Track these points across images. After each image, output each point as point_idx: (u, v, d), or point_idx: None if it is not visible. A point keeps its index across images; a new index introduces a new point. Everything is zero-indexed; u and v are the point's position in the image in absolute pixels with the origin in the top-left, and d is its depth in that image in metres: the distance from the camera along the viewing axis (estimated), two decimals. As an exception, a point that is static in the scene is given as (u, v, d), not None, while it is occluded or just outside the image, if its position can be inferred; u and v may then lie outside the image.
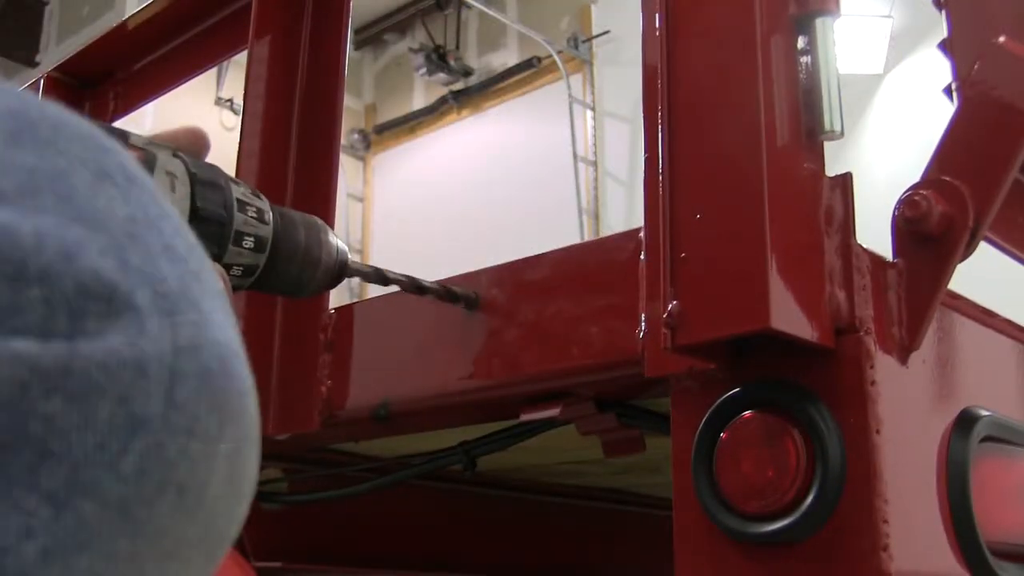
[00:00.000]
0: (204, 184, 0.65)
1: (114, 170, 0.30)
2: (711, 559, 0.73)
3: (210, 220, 0.66)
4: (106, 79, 1.65)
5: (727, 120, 0.72)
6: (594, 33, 5.61)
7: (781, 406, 0.71)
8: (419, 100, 6.63)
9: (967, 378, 0.84)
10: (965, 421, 0.79)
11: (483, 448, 1.05)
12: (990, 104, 0.78)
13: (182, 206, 0.64)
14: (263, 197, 0.71)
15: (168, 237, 0.30)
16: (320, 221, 0.76)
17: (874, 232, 0.79)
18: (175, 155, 0.64)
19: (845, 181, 0.74)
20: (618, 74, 5.36)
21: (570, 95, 5.57)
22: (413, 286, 0.89)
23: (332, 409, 1.03)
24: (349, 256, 0.78)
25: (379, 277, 0.86)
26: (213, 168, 0.67)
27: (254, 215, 0.69)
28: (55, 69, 1.64)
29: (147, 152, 0.63)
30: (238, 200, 0.68)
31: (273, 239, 0.71)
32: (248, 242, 0.68)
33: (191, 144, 0.67)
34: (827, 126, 0.73)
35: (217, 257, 0.67)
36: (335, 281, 0.79)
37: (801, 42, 0.74)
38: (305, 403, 1.05)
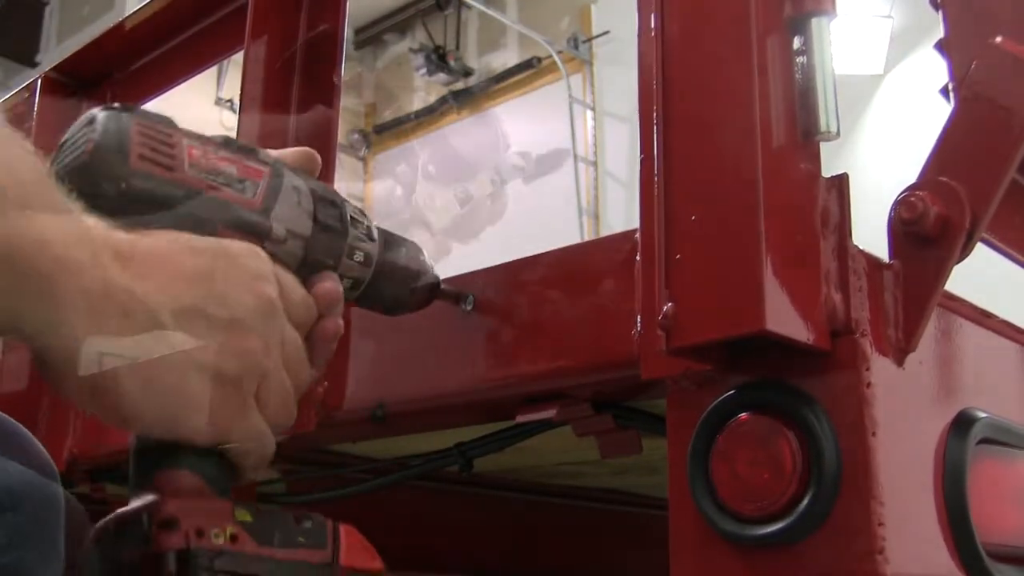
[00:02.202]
0: (323, 200, 0.71)
1: None
2: (706, 561, 0.73)
3: (329, 232, 0.71)
4: (104, 79, 1.64)
5: (723, 121, 0.71)
6: (594, 33, 5.61)
7: (777, 408, 0.70)
8: (419, 100, 6.63)
9: (965, 380, 0.83)
10: (962, 423, 0.79)
11: (479, 449, 1.05)
12: (987, 105, 0.78)
13: (306, 217, 0.70)
14: (368, 216, 0.76)
15: None
16: (417, 243, 0.82)
17: (874, 233, 0.79)
18: (295, 172, 0.71)
19: (841, 182, 0.74)
20: (618, 74, 5.35)
21: (570, 95, 5.57)
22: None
23: (329, 410, 1.03)
24: (440, 278, 0.85)
25: (459, 297, 0.90)
26: (329, 187, 0.74)
27: (364, 232, 0.75)
28: (52, 69, 1.64)
29: (275, 167, 0.69)
30: (351, 217, 0.74)
31: (379, 256, 0.76)
32: (358, 256, 0.74)
33: (305, 164, 0.73)
34: (823, 127, 0.73)
35: (333, 267, 0.72)
36: (428, 301, 0.85)
37: (797, 43, 0.74)
38: (302, 404, 1.05)
